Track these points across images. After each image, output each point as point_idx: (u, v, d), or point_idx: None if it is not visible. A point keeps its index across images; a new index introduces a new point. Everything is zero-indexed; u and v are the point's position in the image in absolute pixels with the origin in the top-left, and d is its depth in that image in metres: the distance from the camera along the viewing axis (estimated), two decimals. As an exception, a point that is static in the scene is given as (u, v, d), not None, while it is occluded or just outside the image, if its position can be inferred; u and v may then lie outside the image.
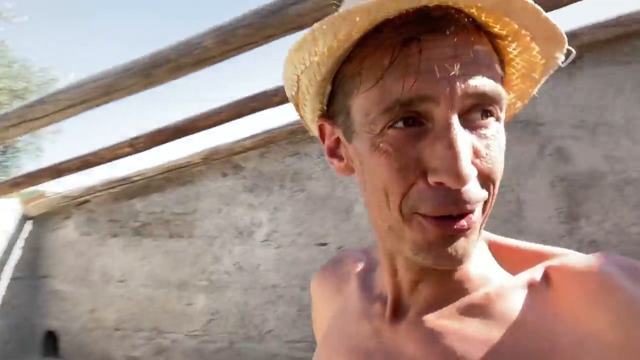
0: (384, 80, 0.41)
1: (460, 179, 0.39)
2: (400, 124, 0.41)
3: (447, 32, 0.40)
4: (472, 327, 0.46)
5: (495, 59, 0.43)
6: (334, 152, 0.55)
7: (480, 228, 0.45)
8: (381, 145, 0.43)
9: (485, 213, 0.45)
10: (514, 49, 0.45)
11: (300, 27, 1.52)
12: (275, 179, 3.86)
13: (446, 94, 0.40)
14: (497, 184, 0.44)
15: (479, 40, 0.41)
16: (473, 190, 0.42)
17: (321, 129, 0.55)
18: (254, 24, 1.54)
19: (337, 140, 0.54)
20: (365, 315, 0.56)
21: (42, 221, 4.18)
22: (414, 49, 0.40)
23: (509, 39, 0.43)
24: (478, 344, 0.44)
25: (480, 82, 0.40)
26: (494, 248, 0.54)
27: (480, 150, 0.42)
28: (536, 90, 0.50)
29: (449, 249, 0.43)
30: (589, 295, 0.40)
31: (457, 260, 0.43)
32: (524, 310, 0.44)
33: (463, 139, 0.40)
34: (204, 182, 3.99)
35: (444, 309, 0.49)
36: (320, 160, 3.75)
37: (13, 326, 3.89)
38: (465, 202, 0.41)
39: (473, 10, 0.41)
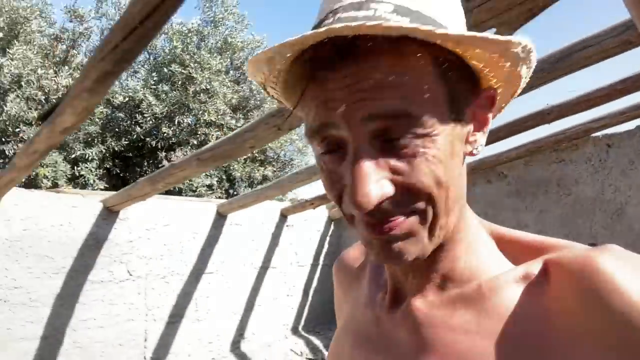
0: (302, 111, 0.47)
1: (359, 207, 0.42)
2: (327, 150, 0.46)
3: (347, 61, 0.41)
4: (461, 318, 0.48)
5: (408, 63, 0.41)
6: None
7: (432, 232, 0.46)
8: (320, 164, 0.48)
9: (435, 219, 0.45)
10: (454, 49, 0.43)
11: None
12: (540, 185, 4.19)
13: (345, 121, 0.42)
14: (435, 191, 0.44)
15: (386, 61, 0.41)
16: (390, 206, 0.43)
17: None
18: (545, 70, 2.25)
19: None
20: (371, 302, 0.59)
21: (341, 222, 5.58)
22: (318, 81, 0.43)
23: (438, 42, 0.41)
24: (465, 334, 0.46)
25: (379, 105, 0.41)
26: (498, 239, 0.54)
27: (400, 167, 0.43)
28: (524, 73, 0.47)
29: (386, 250, 0.46)
30: (588, 293, 0.40)
31: (397, 260, 0.46)
32: (518, 303, 0.45)
33: (367, 166, 0.42)
34: (470, 188, 4.63)
35: (435, 298, 0.51)
36: (588, 166, 3.91)
37: (325, 300, 5.30)
38: (383, 215, 0.44)
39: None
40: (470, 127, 0.48)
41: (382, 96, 0.41)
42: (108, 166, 7.55)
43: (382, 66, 0.41)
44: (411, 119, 0.42)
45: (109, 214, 3.43)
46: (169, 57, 7.23)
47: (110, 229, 3.41)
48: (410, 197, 0.44)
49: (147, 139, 7.31)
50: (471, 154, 0.49)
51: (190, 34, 7.24)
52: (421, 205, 0.45)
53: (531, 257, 0.49)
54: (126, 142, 7.36)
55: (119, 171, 7.64)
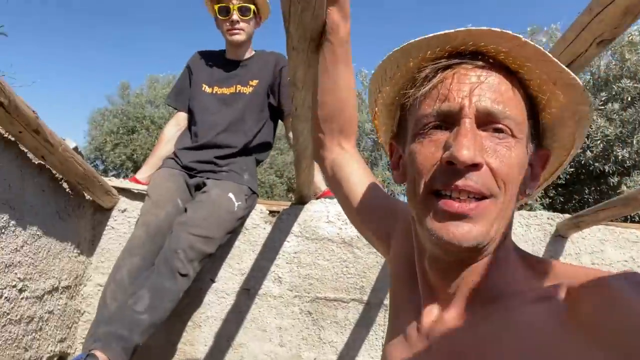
0: (426, 97, 0.65)
1: (460, 153, 0.58)
2: (434, 127, 0.64)
3: (474, 65, 0.64)
4: (485, 329, 0.59)
5: (515, 91, 0.64)
6: (395, 165, 0.78)
7: (494, 227, 0.62)
8: (419, 137, 0.65)
9: (499, 212, 0.62)
10: (543, 95, 0.66)
11: None
12: None
13: (465, 107, 0.61)
14: (509, 187, 0.62)
15: (497, 74, 0.64)
16: (480, 175, 0.60)
17: (390, 148, 0.81)
18: None
19: (399, 157, 0.77)
20: (411, 309, 0.75)
21: None
22: (449, 74, 0.64)
23: (538, 83, 0.65)
24: (488, 345, 0.57)
25: (491, 102, 0.62)
26: (529, 264, 0.66)
27: (490, 147, 0.61)
28: (576, 145, 0.69)
29: (452, 227, 0.60)
30: (598, 308, 0.48)
31: (459, 237, 0.59)
32: (539, 319, 0.54)
33: (472, 131, 0.60)
34: None
35: (463, 309, 0.65)
36: None
37: None
38: (471, 180, 0.59)
39: (501, 56, 0.65)
40: (529, 170, 0.68)
41: (493, 97, 0.62)
42: (551, 195, 7.71)
43: (495, 76, 0.63)
44: (513, 122, 0.62)
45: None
46: (617, 72, 6.86)
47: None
48: (490, 178, 0.60)
49: (596, 163, 7.08)
50: (523, 193, 0.67)
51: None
52: (496, 189, 0.60)
53: (562, 282, 0.57)
54: (572, 169, 7.34)
55: (562, 199, 7.72)
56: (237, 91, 2.29)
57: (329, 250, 2.35)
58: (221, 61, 2.39)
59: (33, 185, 1.76)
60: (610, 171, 7.01)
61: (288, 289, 2.34)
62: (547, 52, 0.61)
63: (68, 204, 2.04)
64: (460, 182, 0.59)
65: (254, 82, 2.30)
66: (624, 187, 6.69)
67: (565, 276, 0.59)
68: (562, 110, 0.66)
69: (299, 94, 1.31)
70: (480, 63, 0.64)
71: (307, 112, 1.40)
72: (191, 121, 2.35)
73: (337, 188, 1.02)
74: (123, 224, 2.35)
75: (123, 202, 2.35)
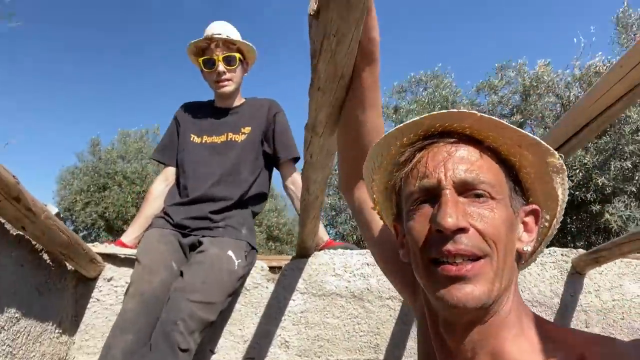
0: (409, 177, 0.73)
1: (445, 220, 0.63)
2: (420, 202, 0.71)
3: (445, 142, 0.72)
4: None
5: (485, 158, 0.71)
6: (401, 245, 0.81)
7: (496, 286, 0.65)
8: (411, 214, 0.72)
9: (496, 272, 0.65)
10: (514, 158, 0.73)
11: None
12: None
13: (442, 180, 0.68)
14: (500, 245, 0.66)
15: (466, 146, 0.71)
16: (469, 237, 0.64)
17: (395, 230, 0.85)
18: None
19: (403, 236, 0.79)
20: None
21: None
22: (425, 154, 0.72)
23: (505, 148, 0.72)
24: None
25: (464, 172, 0.68)
26: (545, 331, 0.69)
27: (473, 212, 0.66)
28: (560, 194, 0.75)
29: (454, 290, 0.63)
30: None
31: (463, 300, 0.63)
32: None
33: (453, 199, 0.66)
34: None
35: None
36: None
37: None
38: (461, 243, 0.64)
39: (467, 131, 0.72)
40: (521, 227, 0.73)
41: (467, 167, 0.69)
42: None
43: (466, 147, 0.71)
44: (489, 186, 0.68)
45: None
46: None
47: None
48: (479, 239, 0.65)
49: (577, 192, 7.18)
50: (521, 251, 0.72)
51: None
52: (487, 248, 0.65)
53: (573, 348, 0.60)
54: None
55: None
56: (229, 139, 2.17)
57: (338, 306, 2.18)
58: (210, 110, 2.28)
59: (11, 261, 1.56)
60: (592, 199, 7.11)
61: (297, 354, 2.14)
62: (503, 122, 0.69)
63: (49, 277, 1.83)
64: (451, 247, 0.65)
65: (247, 130, 2.19)
66: (606, 215, 6.76)
67: (579, 345, 0.62)
68: (536, 167, 0.73)
69: (317, 140, 1.20)
70: (450, 140, 0.72)
71: (325, 159, 1.29)
72: (180, 175, 2.20)
73: (364, 225, 1.03)
74: (109, 294, 2.14)
75: (109, 269, 2.15)
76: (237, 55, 2.18)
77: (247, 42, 2.19)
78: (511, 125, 0.69)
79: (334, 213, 9.76)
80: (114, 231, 11.30)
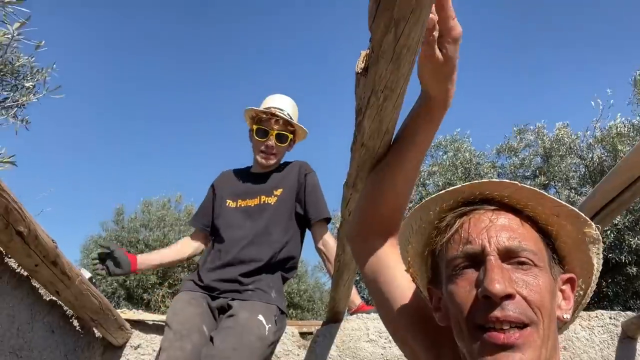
0: (451, 242, 0.73)
1: (492, 286, 0.63)
2: (463, 268, 0.71)
3: (486, 209, 0.73)
4: None
5: (525, 226, 0.73)
6: (437, 308, 0.80)
7: (544, 353, 0.65)
8: (453, 278, 0.71)
9: (543, 339, 0.65)
10: (551, 227, 0.75)
11: None
12: None
13: (486, 247, 0.68)
14: (545, 312, 0.66)
15: (506, 213, 0.73)
16: (516, 304, 0.65)
17: (429, 293, 0.83)
18: None
19: (439, 299, 0.79)
20: None
21: None
22: (466, 220, 0.73)
23: (543, 217, 0.74)
24: None
25: (507, 240, 0.69)
26: None
27: (519, 279, 0.67)
28: (595, 263, 0.75)
29: (505, 357, 0.63)
30: None
31: None
32: None
33: (499, 266, 0.67)
34: None
35: None
36: None
37: None
38: (509, 310, 0.64)
39: (506, 200, 0.74)
40: (560, 296, 0.74)
41: (509, 234, 0.70)
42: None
43: (507, 215, 0.73)
44: (532, 254, 0.68)
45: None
46: (611, 163, 7.03)
47: None
48: (525, 306, 0.64)
49: (611, 254, 6.92)
50: (561, 318, 0.72)
51: None
52: (533, 316, 0.64)
53: None
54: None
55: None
56: (262, 202, 2.18)
57: (373, 375, 2.06)
58: (246, 176, 2.32)
59: (42, 326, 1.54)
60: (626, 261, 6.83)
61: None
62: (542, 192, 0.71)
63: (77, 344, 1.79)
64: (499, 314, 0.64)
65: (278, 192, 2.20)
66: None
67: None
68: (573, 237, 0.74)
69: (356, 197, 1.19)
70: (490, 207, 0.74)
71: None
72: (215, 240, 2.20)
73: (375, 286, 0.98)
74: (136, 363, 2.07)
75: (136, 336, 2.09)
76: (290, 135, 2.24)
77: (303, 127, 2.27)
78: (550, 196, 0.71)
79: (358, 278, 9.55)
80: (134, 299, 11.18)
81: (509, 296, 0.64)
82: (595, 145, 7.40)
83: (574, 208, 0.71)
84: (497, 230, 0.70)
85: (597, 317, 2.17)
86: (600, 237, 0.73)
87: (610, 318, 2.17)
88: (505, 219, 0.72)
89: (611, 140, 6.82)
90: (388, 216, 0.99)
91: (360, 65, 0.86)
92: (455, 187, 0.75)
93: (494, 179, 0.73)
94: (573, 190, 7.49)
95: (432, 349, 0.87)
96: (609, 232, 6.69)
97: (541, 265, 0.69)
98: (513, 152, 8.66)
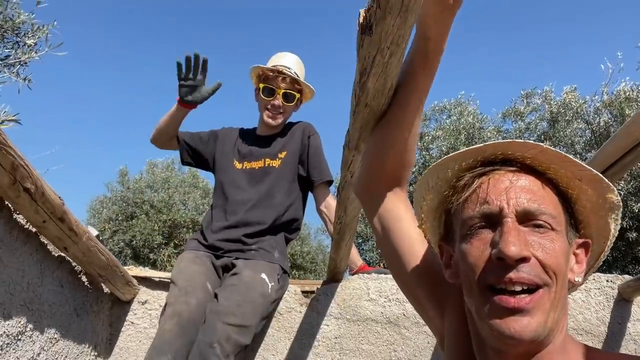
0: (468, 202, 0.73)
1: (508, 248, 0.63)
2: (479, 228, 0.70)
3: (506, 170, 0.72)
4: None
5: (546, 189, 0.72)
6: (447, 265, 0.81)
7: (551, 317, 0.65)
8: (467, 238, 0.71)
9: (552, 302, 0.65)
10: (572, 191, 0.73)
11: None
12: None
13: (504, 208, 0.68)
14: (559, 276, 0.66)
15: (527, 176, 0.72)
16: (531, 267, 0.65)
17: (440, 249, 0.84)
18: None
19: (450, 257, 0.80)
20: None
21: None
22: (485, 180, 0.72)
23: (565, 181, 0.73)
24: None
25: (527, 202, 0.69)
26: (595, 358, 0.69)
27: (535, 242, 0.67)
28: (612, 229, 0.74)
29: (512, 322, 0.64)
30: None
31: (519, 331, 0.63)
32: None
33: (515, 228, 0.66)
34: None
35: None
36: None
37: None
38: (523, 272, 0.64)
39: (528, 161, 0.73)
40: (573, 259, 0.73)
41: (529, 196, 0.68)
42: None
43: (527, 177, 0.71)
44: (550, 217, 0.68)
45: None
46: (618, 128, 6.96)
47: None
48: (540, 269, 0.64)
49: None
50: (573, 281, 0.71)
51: None
52: (547, 278, 0.64)
53: None
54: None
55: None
56: (266, 165, 2.18)
57: (373, 332, 2.13)
58: (252, 137, 2.31)
59: (52, 281, 1.58)
60: (627, 226, 6.86)
61: (331, 381, 2.08)
62: (567, 155, 0.69)
63: (86, 299, 1.85)
64: (513, 275, 0.64)
65: (283, 154, 2.20)
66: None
67: None
68: (593, 202, 0.73)
69: (359, 158, 1.19)
70: (511, 168, 0.72)
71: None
72: (219, 198, 2.22)
73: (385, 239, 0.97)
74: (143, 317, 2.14)
75: (143, 292, 2.15)
76: (297, 95, 2.21)
77: (310, 86, 2.23)
78: (575, 159, 0.69)
79: (360, 240, 9.66)
80: (140, 259, 11.40)
81: (524, 259, 0.64)
82: (603, 110, 7.30)
83: (597, 172, 0.69)
84: (517, 191, 0.69)
85: (594, 279, 2.21)
86: (621, 204, 0.72)
87: (607, 281, 2.20)
88: (526, 181, 0.71)
89: (619, 104, 6.72)
90: (394, 169, 0.98)
91: (362, 24, 0.84)
92: (476, 145, 0.74)
93: (518, 140, 0.71)
94: (578, 156, 7.45)
95: (438, 302, 0.89)
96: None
97: (558, 229, 0.68)
98: (519, 117, 8.57)
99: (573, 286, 0.75)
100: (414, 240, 0.92)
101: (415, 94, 0.94)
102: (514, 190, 0.69)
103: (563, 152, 0.70)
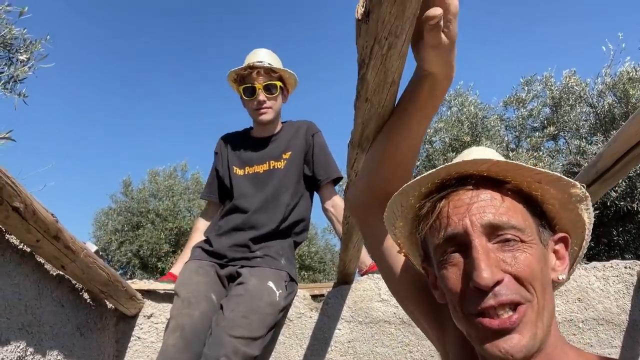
0: (433, 229, 0.73)
1: (481, 277, 0.63)
2: (450, 253, 0.70)
3: (464, 189, 0.71)
4: None
5: (508, 199, 0.70)
6: (434, 286, 0.81)
7: (539, 328, 0.64)
8: (442, 264, 0.71)
9: (538, 313, 0.64)
10: (536, 192, 0.72)
11: None
12: None
13: (467, 227, 0.67)
14: (538, 286, 0.65)
15: (487, 190, 0.70)
16: (507, 286, 0.64)
17: (425, 271, 0.84)
18: None
19: (435, 278, 0.79)
20: None
21: None
22: (445, 203, 0.72)
23: (525, 185, 0.72)
24: None
25: (491, 216, 0.67)
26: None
27: (506, 257, 0.66)
28: (586, 219, 0.74)
29: (501, 343, 0.63)
30: None
31: (511, 352, 0.62)
32: None
33: (484, 251, 0.65)
34: None
35: None
36: None
37: None
38: (501, 295, 0.63)
39: (485, 174, 0.71)
40: (553, 257, 0.73)
41: (493, 211, 0.67)
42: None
43: (488, 191, 0.70)
44: (517, 230, 0.67)
45: None
46: (622, 110, 6.85)
47: None
48: (516, 285, 0.64)
49: (622, 202, 6.85)
50: (556, 280, 0.72)
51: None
52: (527, 294, 0.64)
53: None
54: (595, 211, 7.10)
55: (589, 245, 7.39)
56: (271, 167, 2.12)
57: (387, 333, 2.06)
58: (249, 140, 2.25)
59: (51, 302, 1.53)
60: (638, 209, 6.76)
61: (346, 387, 2.02)
62: (519, 163, 0.68)
63: (89, 316, 1.79)
64: (492, 302, 0.63)
65: (287, 155, 2.14)
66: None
67: None
68: (558, 199, 0.72)
69: (363, 157, 1.13)
70: (469, 186, 0.71)
71: (371, 177, 1.21)
72: (225, 207, 2.16)
73: (380, 260, 0.97)
74: (150, 331, 2.08)
75: (149, 306, 2.10)
76: (278, 83, 2.14)
77: (289, 70, 2.17)
78: (528, 166, 0.69)
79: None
80: (149, 268, 11.38)
81: (499, 281, 0.64)
82: (606, 92, 7.19)
83: (554, 173, 0.69)
84: (479, 207, 0.68)
85: (611, 267, 2.14)
86: (587, 195, 0.72)
87: (625, 267, 2.13)
88: (486, 195, 0.70)
89: (622, 86, 6.62)
90: (391, 187, 0.93)
91: (360, 10, 0.78)
92: (430, 171, 0.73)
93: (468, 159, 0.70)
94: (584, 140, 7.35)
95: (436, 320, 0.89)
96: (620, 180, 6.60)
97: (528, 240, 0.67)
98: (521, 104, 8.47)
99: (558, 284, 0.75)
100: (408, 262, 0.92)
101: (421, 113, 0.90)
102: (476, 207, 0.68)
103: (514, 162, 0.69)
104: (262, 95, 2.10)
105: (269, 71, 2.11)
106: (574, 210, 0.73)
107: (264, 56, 2.15)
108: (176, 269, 2.17)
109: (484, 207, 0.68)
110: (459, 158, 0.99)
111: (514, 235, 0.67)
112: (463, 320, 0.68)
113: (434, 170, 0.72)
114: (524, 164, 0.69)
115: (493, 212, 0.68)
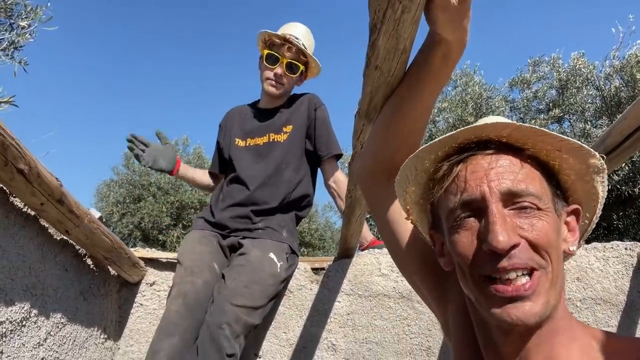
0: (448, 193, 0.71)
1: (497, 241, 0.62)
2: (465, 218, 0.69)
3: (483, 154, 0.70)
4: None
5: (527, 166, 0.69)
6: (440, 253, 0.81)
7: (552, 296, 0.64)
8: (454, 229, 0.70)
9: (552, 282, 0.64)
10: (553, 162, 0.71)
11: None
12: None
13: (485, 193, 0.66)
14: (553, 254, 0.65)
15: (506, 156, 0.69)
16: (523, 251, 0.63)
17: (432, 238, 0.83)
18: None
19: (442, 245, 0.79)
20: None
21: None
22: (462, 167, 0.70)
23: (544, 153, 0.70)
24: None
25: (511, 183, 0.66)
26: (595, 335, 0.68)
27: (523, 224, 0.65)
28: (600, 191, 0.73)
29: (513, 309, 0.62)
30: None
31: (523, 318, 0.62)
32: None
33: (501, 216, 0.64)
34: None
35: None
36: None
37: None
38: (515, 258, 0.63)
39: (504, 139, 0.70)
40: (565, 228, 0.72)
41: (511, 177, 0.66)
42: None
43: (507, 157, 0.69)
44: (535, 197, 0.66)
45: None
46: (628, 93, 6.77)
47: None
48: (532, 250, 0.63)
49: (624, 187, 6.84)
50: (567, 251, 0.71)
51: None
52: (541, 260, 0.64)
53: (628, 355, 0.61)
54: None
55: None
56: (271, 140, 2.11)
57: (386, 307, 2.08)
58: (253, 112, 2.23)
59: (55, 265, 1.54)
60: (639, 194, 6.75)
61: (344, 358, 2.05)
62: (542, 129, 0.67)
63: (92, 282, 1.81)
64: (506, 263, 0.63)
65: (288, 128, 2.12)
66: None
67: (634, 350, 0.63)
68: (576, 169, 0.71)
69: (369, 128, 1.12)
70: (488, 151, 0.70)
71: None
72: (227, 180, 2.16)
73: (385, 230, 0.97)
74: (152, 299, 2.10)
75: (151, 274, 2.12)
76: (302, 66, 2.11)
77: (317, 61, 2.13)
78: (551, 132, 0.67)
79: (370, 215, 9.63)
80: (150, 240, 11.47)
81: (515, 245, 0.63)
82: (614, 76, 7.10)
83: (576, 141, 0.68)
84: (498, 173, 0.67)
85: (612, 247, 2.14)
86: (605, 166, 0.71)
87: (625, 249, 2.13)
88: (505, 161, 0.69)
89: (630, 69, 6.53)
90: (400, 158, 0.93)
91: (372, -30, 0.76)
92: (449, 133, 0.71)
93: (489, 122, 0.69)
94: (589, 123, 7.30)
95: (438, 290, 0.89)
96: (623, 164, 6.58)
97: (544, 207, 0.67)
98: (526, 85, 8.38)
99: (568, 255, 0.74)
100: (414, 230, 0.92)
101: (434, 81, 0.89)
102: (495, 173, 0.67)
103: (537, 127, 0.68)
104: (281, 70, 2.07)
105: (300, 51, 2.08)
106: (590, 182, 0.72)
107: (302, 35, 2.11)
108: (182, 167, 2.31)
109: (503, 173, 0.67)
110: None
111: (531, 203, 0.66)
112: (472, 285, 0.68)
113: (453, 132, 0.70)
114: (547, 130, 0.68)
115: (512, 179, 0.67)
